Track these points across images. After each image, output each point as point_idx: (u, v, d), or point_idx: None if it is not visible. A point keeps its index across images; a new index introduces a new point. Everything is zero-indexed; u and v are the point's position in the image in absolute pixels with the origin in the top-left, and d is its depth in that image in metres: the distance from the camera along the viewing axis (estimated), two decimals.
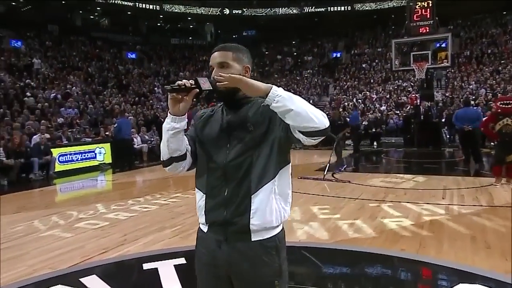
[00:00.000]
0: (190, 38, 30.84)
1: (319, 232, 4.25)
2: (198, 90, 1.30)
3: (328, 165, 7.91)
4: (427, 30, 15.73)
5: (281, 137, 1.36)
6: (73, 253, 3.76)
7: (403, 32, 17.35)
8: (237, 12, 28.68)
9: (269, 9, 28.66)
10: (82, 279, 3.09)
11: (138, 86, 20.51)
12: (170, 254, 3.54)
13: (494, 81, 18.08)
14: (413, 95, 17.85)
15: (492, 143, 10.13)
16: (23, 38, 19.89)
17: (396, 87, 21.15)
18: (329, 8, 27.90)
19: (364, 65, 25.02)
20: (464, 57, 22.07)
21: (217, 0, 28.24)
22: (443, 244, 3.74)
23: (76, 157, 10.42)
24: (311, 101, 16.77)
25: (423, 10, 15.76)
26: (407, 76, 21.17)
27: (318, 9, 28.21)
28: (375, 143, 14.83)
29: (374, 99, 20.28)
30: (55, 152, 9.72)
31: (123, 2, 25.62)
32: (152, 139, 12.56)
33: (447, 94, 18.49)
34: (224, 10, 28.49)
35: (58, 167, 9.74)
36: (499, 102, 6.67)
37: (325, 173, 7.66)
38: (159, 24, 30.35)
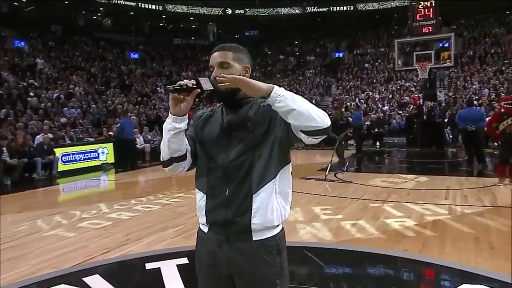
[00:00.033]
0: (193, 38, 30.88)
1: (321, 232, 4.25)
2: (199, 90, 1.30)
3: (329, 165, 7.89)
4: (430, 30, 15.64)
5: (282, 137, 1.36)
6: (76, 253, 3.77)
7: (406, 32, 17.28)
8: (239, 12, 28.68)
9: (271, 9, 28.64)
10: (85, 279, 3.10)
11: (141, 86, 20.56)
12: (173, 254, 3.55)
13: (497, 81, 18.00)
14: (416, 95, 17.81)
15: (495, 143, 10.09)
16: (27, 38, 19.96)
17: (398, 87, 21.10)
18: (331, 8, 27.86)
19: (366, 65, 24.97)
20: (467, 57, 21.99)
21: (220, 0, 28.26)
22: (446, 245, 3.72)
23: (79, 157, 10.45)
24: (313, 101, 16.77)
25: (426, 9, 15.68)
26: (410, 76, 21.11)
27: (321, 9, 28.17)
28: (377, 143, 14.81)
29: (376, 99, 20.24)
30: (58, 152, 9.75)
31: (125, 3, 25.67)
32: (154, 139, 12.58)
33: (450, 94, 18.43)
34: (227, 10, 28.50)
35: (61, 167, 9.78)
36: (503, 102, 6.64)
37: (326, 174, 7.64)
38: (161, 24, 30.40)
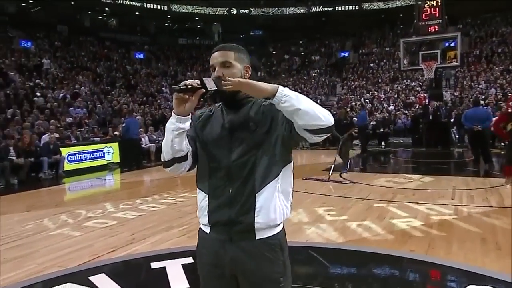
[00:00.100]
0: (198, 38, 30.93)
1: (327, 232, 4.23)
2: (204, 90, 1.31)
3: (333, 165, 7.84)
4: (436, 29, 15.54)
5: (284, 136, 1.37)
6: (82, 252, 3.79)
7: (412, 31, 17.19)
8: (244, 12, 28.69)
9: (276, 8, 28.62)
10: (91, 278, 3.12)
11: (146, 86, 20.63)
12: (178, 254, 3.55)
13: (504, 81, 17.85)
14: (422, 95, 17.72)
15: (502, 144, 10.02)
16: (33, 39, 20.11)
17: (404, 86, 21.00)
18: (336, 7, 27.78)
19: (372, 65, 24.87)
20: (473, 56, 21.82)
21: (225, 0, 28.28)
22: (452, 245, 3.70)
23: (84, 156, 10.51)
24: (318, 101, 16.73)
25: (432, 9, 15.58)
26: (416, 76, 21.00)
27: (326, 9, 28.10)
28: (383, 143, 14.75)
29: (382, 99, 20.15)
30: (64, 151, 9.81)
31: (131, 3, 25.77)
32: (159, 138, 12.61)
33: (456, 94, 18.30)
34: (232, 10, 28.52)
35: (67, 166, 9.84)
36: (511, 102, 6.58)
37: (330, 174, 7.57)
38: (166, 24, 30.48)
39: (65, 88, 15.69)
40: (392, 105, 18.90)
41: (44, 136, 9.87)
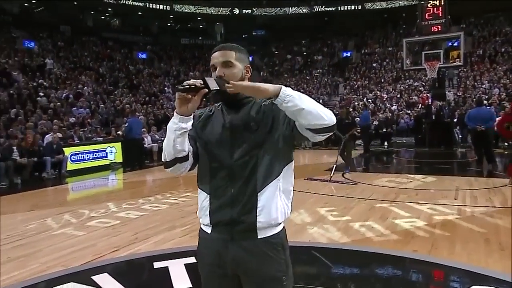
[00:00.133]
0: (200, 38, 30.95)
1: (329, 232, 4.23)
2: (207, 90, 1.31)
3: (335, 165, 7.81)
4: (439, 29, 15.53)
5: (286, 135, 1.38)
6: (85, 251, 3.80)
7: (415, 31, 17.18)
8: (246, 12, 28.68)
9: (278, 8, 28.60)
10: (94, 277, 3.13)
11: (149, 86, 20.68)
12: (181, 253, 3.56)
13: (507, 80, 17.76)
14: (425, 95, 17.66)
15: (506, 143, 9.97)
16: (36, 39, 20.19)
17: (407, 86, 20.94)
18: (339, 7, 27.73)
19: (374, 65, 24.82)
20: (477, 56, 21.74)
21: (227, 0, 28.30)
22: (455, 246, 3.69)
23: (87, 156, 10.55)
24: (321, 101, 16.71)
25: (435, 8, 15.57)
26: (418, 76, 20.94)
27: (328, 8, 28.06)
28: (385, 143, 14.72)
29: (384, 99, 20.11)
30: (67, 151, 9.85)
31: (133, 3, 25.82)
32: (162, 138, 12.62)
33: (459, 94, 18.25)
34: (234, 10, 28.53)
35: (70, 166, 9.87)
36: None
37: (332, 174, 7.53)
38: (169, 24, 30.51)
39: (68, 88, 15.74)
40: (395, 105, 18.86)
41: (47, 136, 9.91)
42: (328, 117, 1.26)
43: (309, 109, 1.23)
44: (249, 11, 28.67)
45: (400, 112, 17.23)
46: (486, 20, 24.53)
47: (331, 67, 26.45)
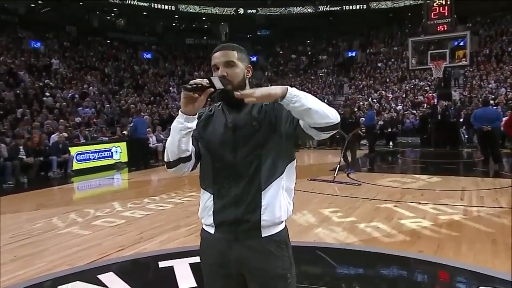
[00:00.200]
0: (205, 38, 30.99)
1: (334, 232, 4.22)
2: (213, 89, 1.31)
3: (338, 166, 7.75)
4: (445, 28, 15.39)
5: (289, 134, 1.38)
6: (91, 250, 3.82)
7: (420, 30, 17.06)
8: (251, 11, 28.68)
9: (283, 8, 28.56)
10: (99, 276, 3.14)
11: (154, 86, 20.74)
12: (186, 253, 3.56)
13: None
14: (430, 95, 17.57)
15: None
16: (42, 39, 20.34)
17: (412, 86, 20.84)
18: (344, 6, 27.64)
19: (379, 64, 24.73)
20: (483, 55, 21.59)
21: (232, 0, 28.32)
22: (461, 246, 3.66)
23: (93, 155, 10.60)
24: (325, 101, 16.66)
25: (441, 7, 15.44)
26: (424, 75, 20.84)
27: (333, 8, 27.97)
28: (391, 143, 14.67)
29: (390, 99, 20.03)
30: (73, 150, 9.90)
31: (138, 3, 25.90)
32: (167, 138, 12.63)
33: (465, 94, 18.13)
34: (239, 10, 28.54)
35: (76, 166, 9.93)
36: None
37: (335, 175, 7.44)
38: (174, 24, 30.58)
39: (74, 88, 15.84)
40: (400, 105, 18.78)
41: (53, 136, 9.97)
42: (333, 115, 1.27)
43: (315, 109, 1.23)
44: (254, 11, 28.67)
45: (406, 112, 17.15)
46: (492, 19, 24.35)
47: (336, 66, 26.39)
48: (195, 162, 1.48)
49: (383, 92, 21.05)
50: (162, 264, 3.39)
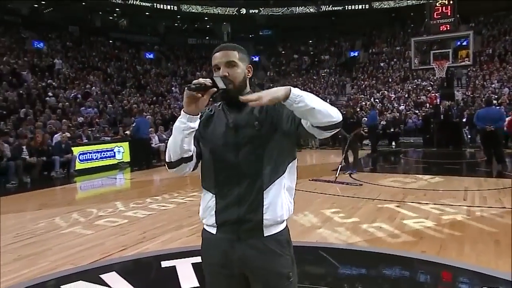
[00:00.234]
0: (207, 38, 31.04)
1: (336, 232, 4.21)
2: (215, 89, 1.31)
3: (339, 166, 7.73)
4: (448, 28, 15.36)
5: (290, 133, 1.39)
6: (93, 250, 3.84)
7: (423, 30, 17.04)
8: (253, 11, 28.70)
9: (285, 8, 28.56)
10: (102, 276, 3.15)
11: (156, 86, 20.77)
12: (188, 253, 3.56)
13: None
14: (433, 95, 17.54)
15: None
16: (45, 39, 20.40)
17: (415, 86, 20.80)
18: (346, 6, 27.62)
19: (382, 64, 24.69)
20: (486, 55, 21.52)
21: (234, 0, 28.33)
22: (464, 247, 3.65)
23: (95, 155, 10.63)
24: (328, 101, 16.63)
25: (444, 7, 15.41)
26: (427, 75, 20.79)
27: (335, 8, 27.96)
28: (393, 143, 14.63)
29: (392, 99, 19.99)
30: (76, 150, 9.93)
31: (141, 3, 25.97)
32: (169, 138, 12.68)
33: (468, 93, 18.07)
34: (241, 10, 28.56)
35: (79, 165, 9.96)
36: None
37: (337, 175, 7.42)
38: (176, 25, 30.65)
39: (77, 88, 15.88)
40: (403, 105, 18.74)
41: (56, 136, 10.00)
42: (335, 114, 1.28)
43: (318, 108, 1.24)
44: (256, 10, 28.69)
45: (408, 112, 17.11)
46: (495, 19, 24.27)
47: (338, 66, 26.36)
48: (196, 162, 1.48)
49: (385, 92, 21.01)
50: (164, 264, 3.40)
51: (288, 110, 1.31)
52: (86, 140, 11.17)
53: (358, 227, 4.38)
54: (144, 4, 26.07)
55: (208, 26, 31.55)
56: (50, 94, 14.25)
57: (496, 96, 15.73)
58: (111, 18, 28.73)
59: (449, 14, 15.34)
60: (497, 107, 11.81)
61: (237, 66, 1.41)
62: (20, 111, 11.83)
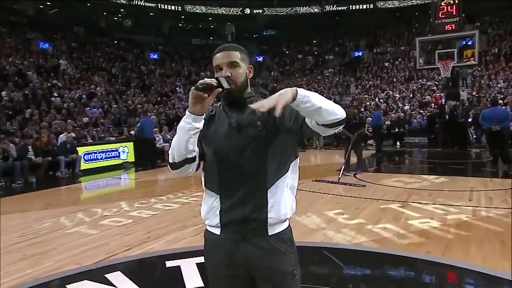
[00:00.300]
0: (211, 38, 31.08)
1: (341, 233, 4.20)
2: (221, 89, 1.31)
3: (342, 167, 7.69)
4: (453, 28, 15.24)
5: (293, 132, 1.40)
6: (98, 250, 3.85)
7: (428, 29, 16.95)
8: (257, 11, 28.71)
9: (290, 8, 28.55)
10: (107, 275, 3.16)
11: (160, 86, 20.83)
12: (192, 253, 3.57)
13: None
14: (438, 94, 17.45)
15: None
16: (51, 40, 20.53)
17: (420, 86, 20.71)
18: (350, 6, 27.56)
19: (386, 64, 24.61)
20: (492, 54, 21.38)
21: (238, 0, 28.35)
22: (470, 247, 3.62)
23: (100, 155, 10.67)
24: (332, 101, 16.61)
25: (449, 7, 15.29)
26: (431, 75, 20.68)
27: (340, 8, 27.91)
28: (398, 143, 14.58)
29: (397, 99, 19.92)
30: (81, 150, 9.98)
31: (145, 4, 26.06)
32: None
33: (473, 93, 17.96)
34: (245, 10, 28.57)
35: (83, 165, 10.00)
36: None
37: (339, 176, 7.39)
38: (180, 25, 30.71)
39: (81, 89, 15.96)
40: (408, 105, 18.67)
41: (61, 136, 10.06)
42: (339, 111, 1.31)
43: (325, 107, 1.26)
44: (260, 11, 28.69)
45: (413, 112, 17.05)
46: (501, 18, 24.10)
47: (343, 66, 26.31)
48: (199, 163, 1.47)
49: (390, 92, 20.94)
50: (169, 263, 3.40)
51: (290, 109, 1.31)
52: (91, 140, 11.22)
53: (362, 227, 4.36)
54: (148, 4, 26.16)
55: (212, 26, 31.58)
56: (55, 94, 14.33)
57: (502, 96, 15.62)
58: (115, 18, 28.84)
59: (454, 13, 15.23)
60: (503, 107, 11.72)
61: (239, 67, 1.41)
62: (25, 112, 11.91)
